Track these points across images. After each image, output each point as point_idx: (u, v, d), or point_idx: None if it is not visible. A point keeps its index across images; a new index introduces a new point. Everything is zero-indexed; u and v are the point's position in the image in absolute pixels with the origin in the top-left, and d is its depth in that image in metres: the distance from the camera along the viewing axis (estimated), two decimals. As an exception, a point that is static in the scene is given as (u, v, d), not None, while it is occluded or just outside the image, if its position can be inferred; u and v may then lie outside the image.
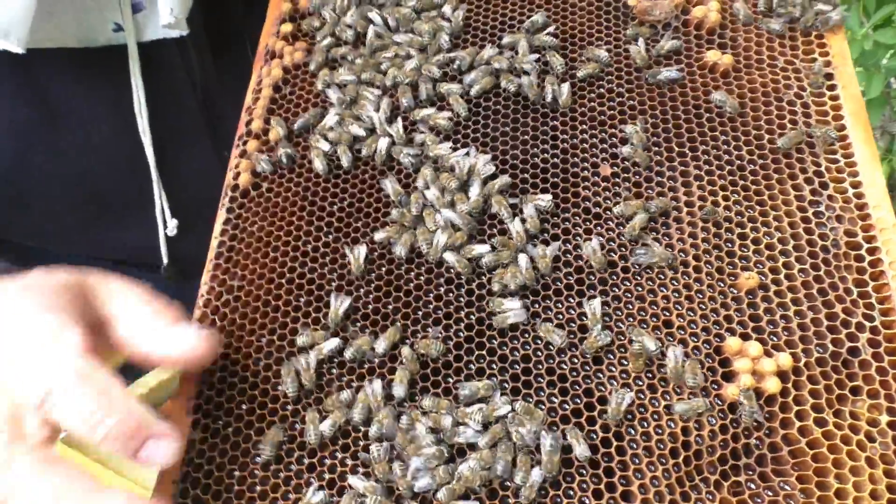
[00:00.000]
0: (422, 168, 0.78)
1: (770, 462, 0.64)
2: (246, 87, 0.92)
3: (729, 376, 0.67)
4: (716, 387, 0.66)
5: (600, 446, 0.64)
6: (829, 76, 0.81)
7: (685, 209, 0.75)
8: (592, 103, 0.82)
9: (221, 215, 0.82)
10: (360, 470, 0.65)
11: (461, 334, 0.70)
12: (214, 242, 0.80)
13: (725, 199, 0.75)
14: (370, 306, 0.73)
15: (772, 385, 0.65)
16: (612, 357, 0.68)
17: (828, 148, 0.76)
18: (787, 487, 0.62)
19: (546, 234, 0.75)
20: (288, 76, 0.90)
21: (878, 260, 0.70)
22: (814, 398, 0.65)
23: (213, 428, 0.69)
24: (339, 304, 0.72)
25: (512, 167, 0.79)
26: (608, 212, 0.75)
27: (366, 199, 0.79)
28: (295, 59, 0.91)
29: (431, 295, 0.73)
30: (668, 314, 0.69)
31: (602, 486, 0.62)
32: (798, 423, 0.64)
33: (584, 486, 0.63)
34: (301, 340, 0.71)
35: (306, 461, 0.66)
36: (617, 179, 0.77)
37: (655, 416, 0.65)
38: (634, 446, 0.64)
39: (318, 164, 0.80)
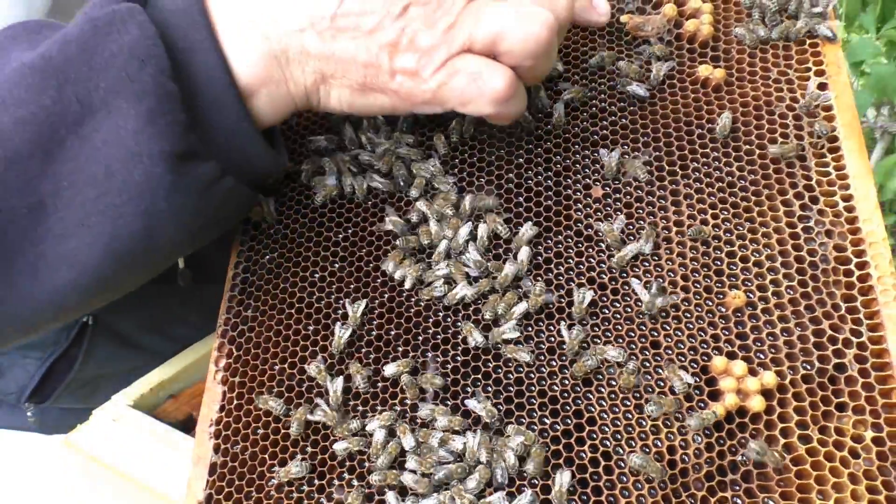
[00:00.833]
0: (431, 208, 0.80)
1: (756, 478, 0.66)
2: None
3: (715, 395, 0.69)
4: (702, 405, 0.68)
5: (589, 465, 0.67)
6: (823, 86, 0.81)
7: (675, 229, 0.76)
8: (585, 123, 0.84)
9: (236, 248, 0.87)
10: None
11: (458, 359, 0.74)
12: (230, 274, 0.85)
13: (715, 216, 0.76)
14: (373, 332, 0.77)
15: (756, 403, 0.67)
16: (601, 378, 0.71)
17: (819, 161, 0.77)
18: (771, 503, 0.64)
19: (539, 258, 0.77)
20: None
21: (867, 274, 0.71)
22: (799, 415, 0.67)
23: (232, 452, 0.75)
24: (342, 333, 0.76)
25: (507, 191, 0.82)
26: (599, 234, 0.78)
27: (369, 228, 0.83)
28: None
29: (430, 321, 0.76)
30: (655, 335, 0.72)
31: (590, 505, 0.66)
32: (783, 440, 0.66)
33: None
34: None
35: (316, 482, 0.71)
36: (608, 200, 0.79)
37: (643, 436, 0.68)
38: (622, 465, 0.67)
39: (319, 199, 0.84)
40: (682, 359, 0.70)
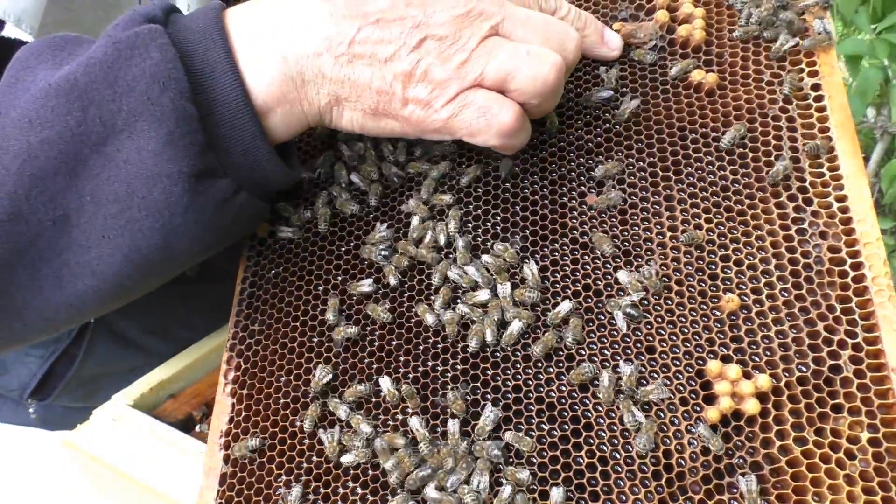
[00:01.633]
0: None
1: (752, 481, 0.66)
2: None
3: (711, 399, 0.69)
4: (698, 409, 0.69)
5: (586, 471, 0.68)
6: (816, 86, 0.81)
7: (668, 234, 0.77)
8: (580, 132, 0.85)
9: (243, 263, 0.89)
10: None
11: (457, 367, 0.75)
12: (238, 289, 0.88)
13: (709, 221, 0.77)
14: (375, 343, 0.79)
15: (750, 406, 0.67)
16: (597, 384, 0.72)
17: (813, 161, 0.77)
18: (767, 506, 0.65)
19: (536, 264, 0.79)
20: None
21: (862, 275, 0.71)
22: (794, 417, 0.67)
23: (241, 462, 0.77)
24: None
25: (503, 201, 0.83)
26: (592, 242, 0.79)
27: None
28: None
29: (430, 330, 0.78)
30: (651, 340, 0.73)
31: (588, 510, 0.67)
32: (779, 443, 0.66)
33: (571, 509, 0.67)
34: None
35: (322, 490, 0.73)
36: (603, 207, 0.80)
37: (640, 454, 0.68)
38: (619, 469, 0.68)
39: (322, 226, 0.86)
40: (678, 363, 0.71)
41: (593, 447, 0.69)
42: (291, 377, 0.80)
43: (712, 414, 0.68)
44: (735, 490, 0.66)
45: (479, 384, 0.74)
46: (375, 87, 0.71)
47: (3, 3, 0.78)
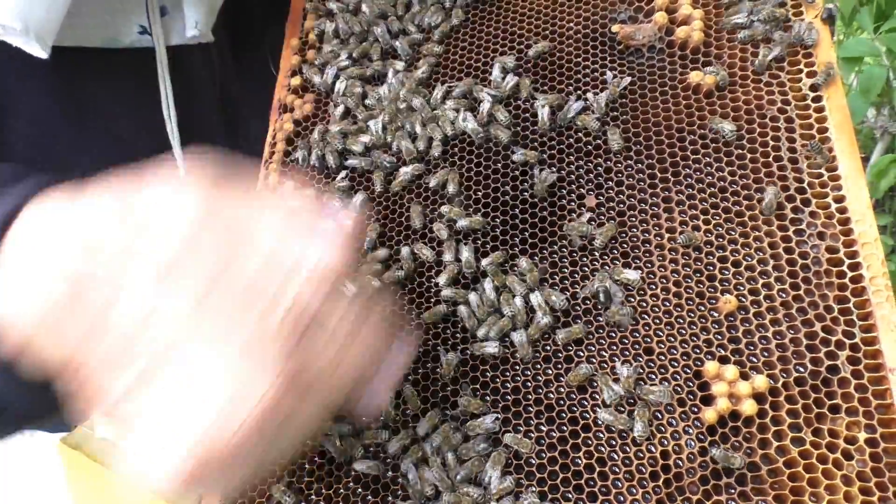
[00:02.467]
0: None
1: (750, 481, 0.66)
2: (264, 87, 0.98)
3: (708, 400, 0.69)
4: (695, 410, 0.69)
5: (584, 472, 0.69)
6: (815, 87, 0.81)
7: (667, 235, 0.77)
8: (579, 133, 0.86)
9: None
10: None
11: (458, 369, 0.76)
12: None
13: (707, 222, 0.77)
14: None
15: (747, 407, 0.67)
16: (595, 385, 0.72)
17: (811, 162, 0.77)
18: (764, 506, 0.65)
19: (534, 265, 0.79)
20: (300, 128, 0.97)
21: (860, 276, 0.71)
22: (792, 418, 0.67)
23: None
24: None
25: (503, 203, 0.84)
26: (592, 243, 0.79)
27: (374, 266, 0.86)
28: (305, 112, 0.98)
29: (431, 332, 0.79)
30: (648, 341, 0.73)
31: (586, 510, 0.67)
32: (776, 443, 0.67)
33: (569, 510, 0.67)
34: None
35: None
36: (602, 209, 0.81)
37: (636, 441, 0.69)
38: (618, 470, 0.68)
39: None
40: (675, 364, 0.71)
41: (591, 448, 0.70)
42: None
43: (709, 415, 0.68)
44: (732, 490, 0.66)
45: (478, 385, 0.75)
46: None
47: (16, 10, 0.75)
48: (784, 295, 0.72)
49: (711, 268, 0.75)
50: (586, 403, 0.72)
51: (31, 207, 0.58)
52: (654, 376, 0.71)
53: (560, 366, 0.74)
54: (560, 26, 0.93)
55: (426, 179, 0.86)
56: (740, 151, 0.80)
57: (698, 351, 0.71)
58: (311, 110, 0.98)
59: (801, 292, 0.72)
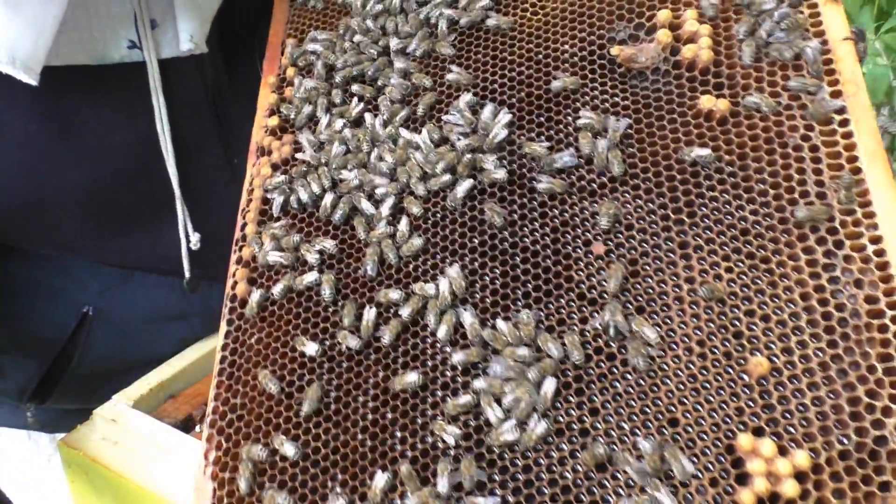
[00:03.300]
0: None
1: (794, 570, 0.60)
2: (255, 95, 0.94)
3: (743, 479, 0.62)
4: (730, 490, 0.62)
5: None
6: (841, 109, 0.73)
7: (685, 286, 0.70)
8: (581, 171, 0.77)
9: (222, 327, 0.82)
10: None
11: (461, 443, 0.68)
12: (218, 357, 0.81)
13: (729, 270, 0.69)
14: (369, 417, 0.72)
15: (789, 488, 0.60)
16: (615, 464, 0.65)
17: (843, 196, 0.69)
18: None
19: (541, 325, 0.71)
20: (277, 172, 0.89)
21: (905, 329, 0.63)
22: (838, 498, 0.60)
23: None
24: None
25: (502, 252, 0.76)
26: (604, 296, 0.71)
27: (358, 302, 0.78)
28: (283, 155, 0.89)
29: (428, 402, 0.71)
30: (673, 410, 0.65)
31: None
32: (822, 527, 0.60)
33: None
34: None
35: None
36: (612, 257, 0.73)
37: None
38: (645, 562, 0.61)
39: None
40: (705, 437, 0.64)
41: (615, 536, 0.62)
42: (277, 457, 0.73)
43: (746, 497, 0.61)
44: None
45: (483, 464, 0.67)
46: None
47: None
48: (821, 354, 0.65)
49: (738, 323, 0.67)
50: (607, 484, 0.64)
51: None
52: (681, 451, 0.64)
53: (575, 439, 0.66)
54: (554, 49, 0.84)
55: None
56: (762, 187, 0.72)
57: (729, 421, 0.64)
58: (289, 153, 0.89)
59: (840, 350, 0.64)
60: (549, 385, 0.68)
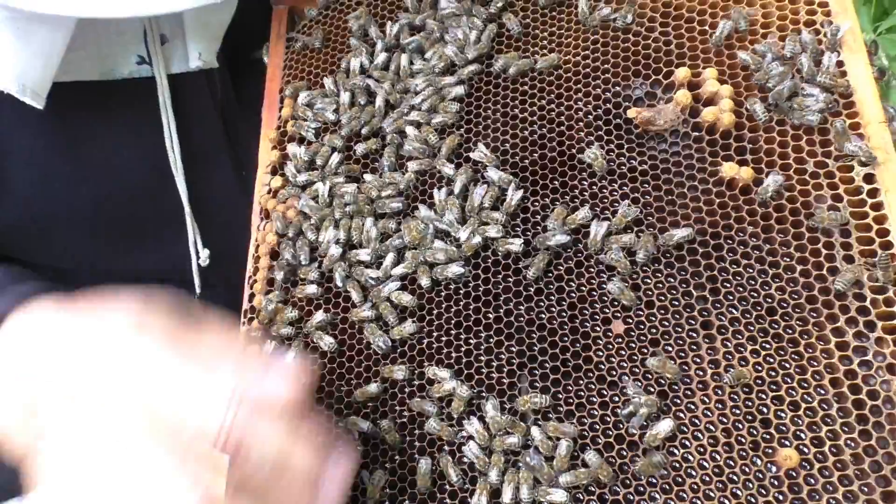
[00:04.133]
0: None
1: None
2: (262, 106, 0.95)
3: (773, 579, 0.60)
4: (759, 591, 0.60)
5: None
6: (869, 177, 0.70)
7: (710, 370, 0.67)
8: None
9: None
10: None
11: None
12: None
13: (755, 353, 0.67)
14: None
15: (822, 593, 0.58)
16: (640, 562, 0.63)
17: (873, 275, 0.66)
18: None
19: (560, 409, 0.69)
20: (283, 240, 0.87)
21: (942, 420, 0.61)
22: None
23: None
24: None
25: (517, 330, 0.74)
26: (624, 378, 0.69)
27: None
28: (288, 219, 0.87)
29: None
30: (699, 505, 0.63)
31: None
32: None
33: None
34: None
35: None
36: (632, 336, 0.71)
37: None
38: None
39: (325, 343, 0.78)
40: (732, 534, 0.62)
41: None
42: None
43: None
44: None
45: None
46: None
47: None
48: (853, 445, 0.62)
49: (765, 410, 0.65)
50: (632, 583, 0.63)
51: (19, 312, 0.68)
52: (707, 549, 0.62)
53: (598, 533, 0.65)
54: (567, 107, 0.82)
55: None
56: (788, 262, 0.69)
57: (758, 517, 0.62)
58: (294, 216, 0.87)
59: (873, 442, 0.62)
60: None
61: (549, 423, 0.68)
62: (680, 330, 0.70)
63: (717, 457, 0.64)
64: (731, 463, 0.64)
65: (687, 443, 0.66)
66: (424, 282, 0.77)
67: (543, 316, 0.74)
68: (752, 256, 0.70)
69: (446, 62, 0.87)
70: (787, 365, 0.66)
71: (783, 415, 0.64)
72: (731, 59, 0.78)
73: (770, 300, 0.68)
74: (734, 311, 0.69)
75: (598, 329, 0.72)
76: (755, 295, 0.69)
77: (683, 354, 0.69)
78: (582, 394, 0.70)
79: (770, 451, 0.64)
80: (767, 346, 0.67)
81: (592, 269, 0.74)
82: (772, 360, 0.66)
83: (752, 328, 0.68)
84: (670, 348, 0.69)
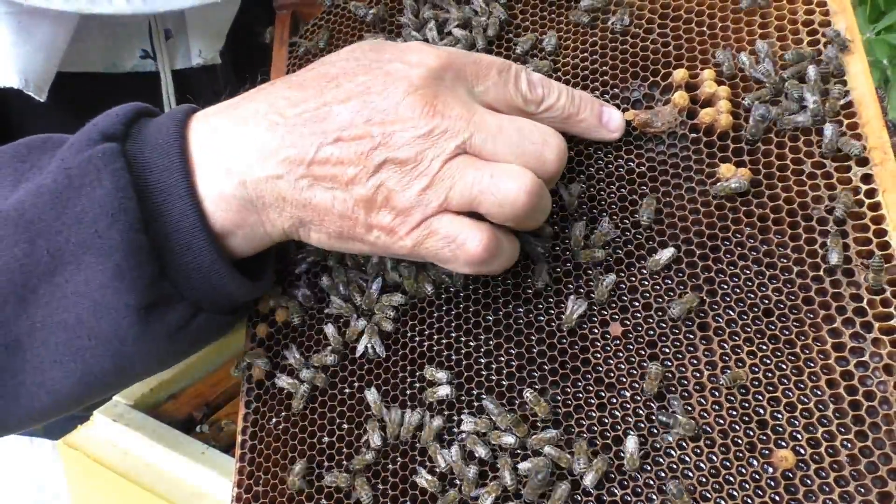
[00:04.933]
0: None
1: None
2: None
3: (769, 580, 0.61)
4: (756, 592, 0.61)
5: None
6: (867, 177, 0.70)
7: (706, 372, 0.68)
8: (596, 252, 0.75)
9: (241, 409, 0.83)
10: None
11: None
12: (238, 440, 0.81)
13: (752, 354, 0.67)
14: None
15: (817, 591, 0.59)
16: (637, 563, 0.64)
17: (873, 277, 0.66)
18: None
19: (558, 412, 0.70)
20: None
21: (939, 421, 0.61)
22: None
23: None
24: None
25: (517, 332, 0.74)
26: (621, 380, 0.70)
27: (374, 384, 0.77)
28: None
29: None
30: (695, 507, 0.64)
31: None
32: None
33: None
34: None
35: None
36: (630, 338, 0.71)
37: None
38: None
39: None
40: (728, 535, 0.62)
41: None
42: (301, 549, 0.73)
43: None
44: None
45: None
46: (338, 212, 0.67)
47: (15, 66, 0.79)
48: (849, 446, 0.62)
49: (762, 411, 0.65)
50: (629, 584, 0.63)
51: (197, 117, 0.71)
52: (704, 549, 0.62)
53: (596, 535, 0.65)
54: (565, 111, 0.82)
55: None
56: (784, 263, 0.69)
57: (754, 518, 0.62)
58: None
59: (870, 443, 0.62)
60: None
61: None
62: (677, 332, 0.70)
63: (714, 458, 0.65)
64: (728, 464, 0.64)
65: (684, 444, 0.66)
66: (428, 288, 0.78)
67: (542, 318, 0.74)
68: (749, 257, 0.70)
69: None
70: (784, 366, 0.66)
71: (780, 416, 0.65)
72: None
73: (767, 301, 0.69)
74: (731, 312, 0.69)
75: (595, 331, 0.72)
76: (752, 296, 0.69)
77: (680, 356, 0.69)
78: (580, 396, 0.71)
79: (767, 452, 0.64)
80: (764, 347, 0.67)
81: (589, 272, 0.75)
82: (768, 361, 0.67)
83: (748, 329, 0.68)
84: (667, 350, 0.70)
